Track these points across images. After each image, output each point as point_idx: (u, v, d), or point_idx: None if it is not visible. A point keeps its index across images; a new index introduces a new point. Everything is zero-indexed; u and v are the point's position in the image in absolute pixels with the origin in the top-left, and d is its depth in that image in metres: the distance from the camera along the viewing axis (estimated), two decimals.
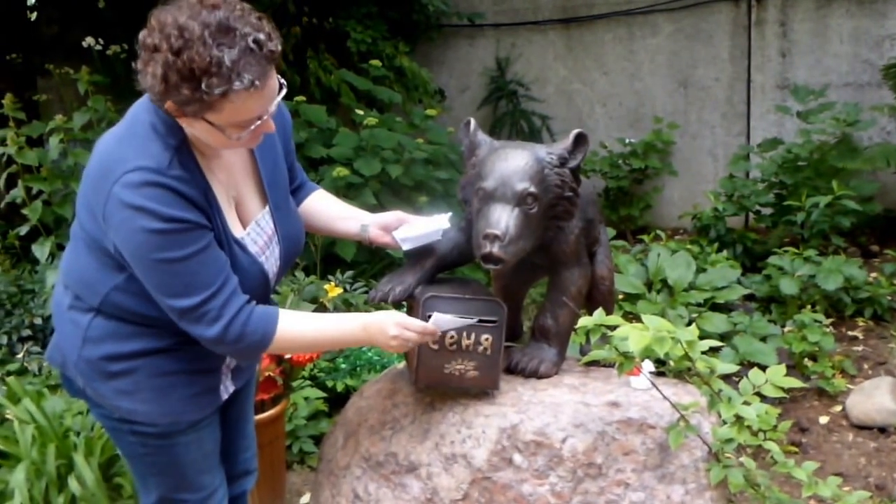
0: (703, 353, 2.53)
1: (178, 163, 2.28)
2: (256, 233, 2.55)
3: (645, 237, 6.95)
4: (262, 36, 2.17)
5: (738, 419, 2.54)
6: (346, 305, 5.30)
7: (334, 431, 3.21)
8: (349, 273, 5.55)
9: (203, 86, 2.10)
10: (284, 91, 2.35)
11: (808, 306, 5.69)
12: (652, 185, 8.62)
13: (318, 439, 4.51)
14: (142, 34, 2.18)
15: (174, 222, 2.22)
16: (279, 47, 2.24)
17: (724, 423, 2.62)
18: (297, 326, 2.50)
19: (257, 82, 2.15)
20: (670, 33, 8.49)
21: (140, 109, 2.37)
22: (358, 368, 4.81)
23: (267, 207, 2.60)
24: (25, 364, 4.86)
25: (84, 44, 6.19)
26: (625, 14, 8.63)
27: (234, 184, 2.51)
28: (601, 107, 8.94)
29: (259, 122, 2.27)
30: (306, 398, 4.59)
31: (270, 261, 2.59)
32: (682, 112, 8.57)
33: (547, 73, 9.12)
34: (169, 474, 2.68)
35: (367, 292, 5.33)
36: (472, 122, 2.88)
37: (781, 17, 8.02)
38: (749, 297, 6.05)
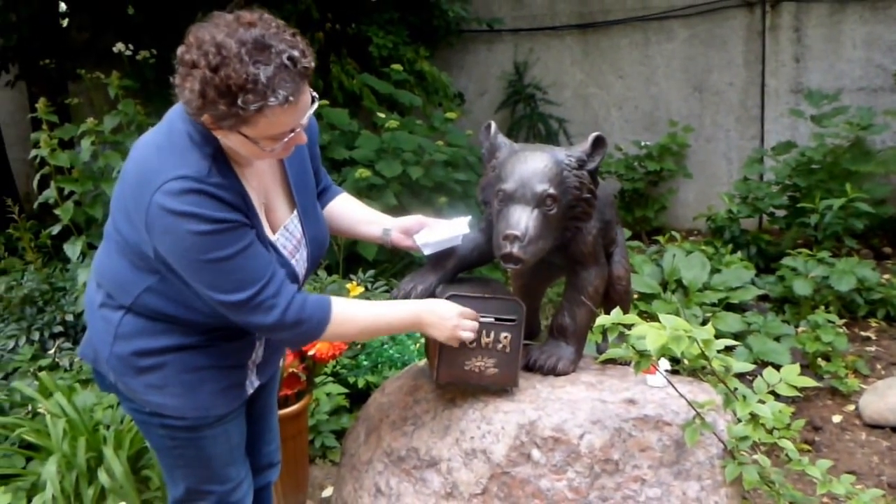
0: (719, 352, 2.56)
1: (216, 170, 2.33)
2: (286, 237, 2.60)
3: (660, 238, 6.98)
4: (296, 53, 2.22)
5: (753, 417, 2.57)
6: None
7: (356, 427, 3.26)
8: (370, 272, 5.61)
9: (239, 101, 2.15)
10: (316, 104, 2.40)
11: (822, 307, 5.73)
12: (667, 186, 8.65)
13: (339, 434, 4.57)
14: (180, 50, 2.23)
15: (219, 223, 2.28)
16: (313, 63, 2.29)
17: (739, 420, 2.64)
18: (351, 313, 2.56)
19: (291, 98, 2.21)
20: (685, 38, 8.52)
21: (175, 118, 2.42)
22: (379, 365, 4.84)
23: (295, 212, 2.65)
24: (57, 360, 4.92)
25: (114, 49, 6.23)
26: (640, 20, 8.66)
27: (264, 190, 2.56)
28: (617, 110, 8.97)
29: (292, 134, 2.32)
30: (328, 394, 4.61)
31: (300, 263, 2.64)
32: (697, 116, 8.60)
33: (564, 77, 9.15)
34: (196, 466, 2.73)
35: (387, 291, 5.38)
36: (493, 125, 2.91)
37: (795, 22, 8.05)
38: (763, 298, 6.08)
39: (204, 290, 2.37)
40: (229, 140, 2.32)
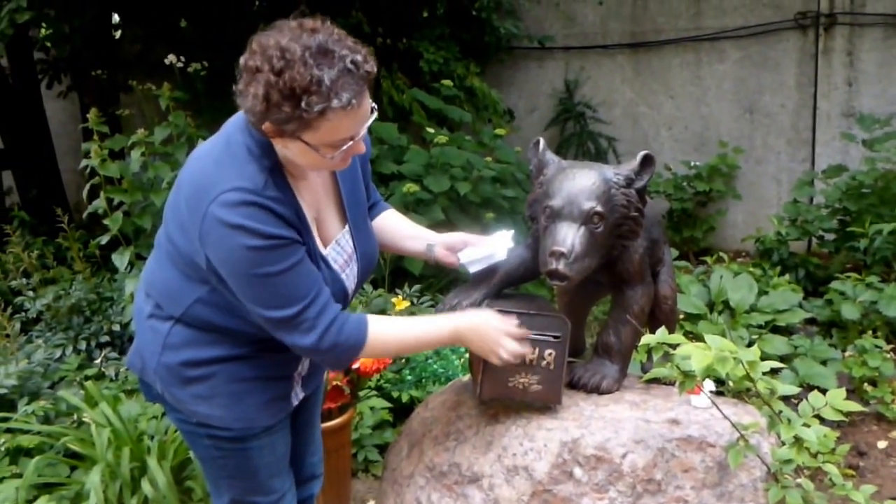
0: (764, 374, 2.54)
1: (273, 184, 2.35)
2: (337, 252, 2.61)
3: (708, 259, 6.96)
4: (359, 57, 2.24)
5: (798, 441, 2.56)
6: None
7: (399, 441, 3.26)
8: (416, 287, 5.61)
9: (303, 104, 2.17)
10: (375, 115, 2.41)
11: (869, 332, 5.66)
12: (715, 207, 8.61)
13: (382, 448, 4.57)
14: (243, 58, 2.26)
15: (271, 239, 2.29)
16: (374, 69, 2.30)
17: (784, 444, 2.63)
18: (388, 331, 2.56)
19: (354, 101, 2.22)
20: (737, 60, 8.48)
21: (234, 130, 2.45)
22: (423, 380, 4.84)
23: (347, 227, 2.66)
24: (103, 369, 4.96)
25: (166, 61, 6.28)
26: (693, 40, 8.63)
27: (316, 204, 2.58)
28: (667, 130, 8.95)
29: (351, 142, 2.33)
30: (372, 408, 4.63)
31: (350, 278, 2.65)
32: (748, 137, 8.56)
33: (614, 95, 9.14)
34: (241, 477, 2.74)
35: (433, 306, 5.38)
36: (542, 141, 2.91)
37: (849, 46, 8.00)
38: (810, 321, 6.03)
39: (249, 304, 2.39)
40: (289, 150, 2.34)
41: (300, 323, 2.38)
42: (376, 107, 2.41)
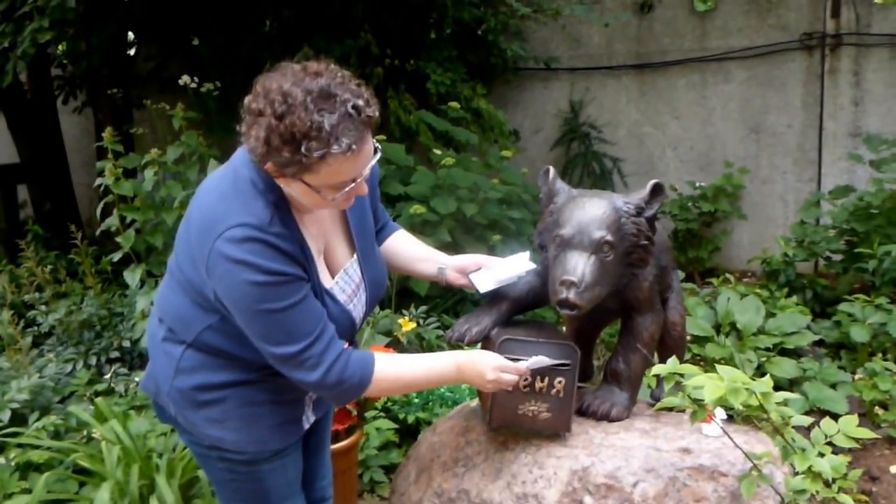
0: (777, 404, 2.54)
1: (279, 219, 2.37)
2: (345, 281, 2.63)
3: (714, 280, 6.96)
4: (360, 102, 2.26)
5: (811, 470, 2.55)
6: (418, 339, 5.36)
7: (407, 465, 3.26)
8: (423, 308, 5.62)
9: (303, 149, 2.20)
10: (379, 155, 2.43)
11: (879, 354, 5.65)
12: (721, 228, 8.62)
13: (388, 469, 4.58)
14: (247, 99, 2.29)
15: (275, 275, 2.31)
16: (377, 113, 2.32)
17: (796, 473, 2.64)
18: (393, 370, 2.57)
19: (354, 146, 2.24)
20: (743, 80, 8.52)
21: (240, 164, 2.47)
22: (430, 403, 4.85)
23: (355, 256, 2.68)
24: (112, 385, 4.97)
25: (180, 82, 6.31)
26: (698, 61, 8.67)
27: (323, 235, 2.60)
28: (672, 150, 8.96)
29: (353, 184, 2.36)
30: (378, 429, 4.62)
31: (358, 307, 2.67)
32: (753, 157, 8.58)
33: (619, 116, 9.16)
34: (254, 500, 2.76)
35: (439, 327, 5.40)
36: (552, 170, 2.92)
37: (855, 66, 8.03)
38: (818, 343, 6.03)
39: (255, 340, 2.42)
40: (291, 188, 2.36)
41: (306, 360, 2.40)
42: (380, 147, 2.43)
